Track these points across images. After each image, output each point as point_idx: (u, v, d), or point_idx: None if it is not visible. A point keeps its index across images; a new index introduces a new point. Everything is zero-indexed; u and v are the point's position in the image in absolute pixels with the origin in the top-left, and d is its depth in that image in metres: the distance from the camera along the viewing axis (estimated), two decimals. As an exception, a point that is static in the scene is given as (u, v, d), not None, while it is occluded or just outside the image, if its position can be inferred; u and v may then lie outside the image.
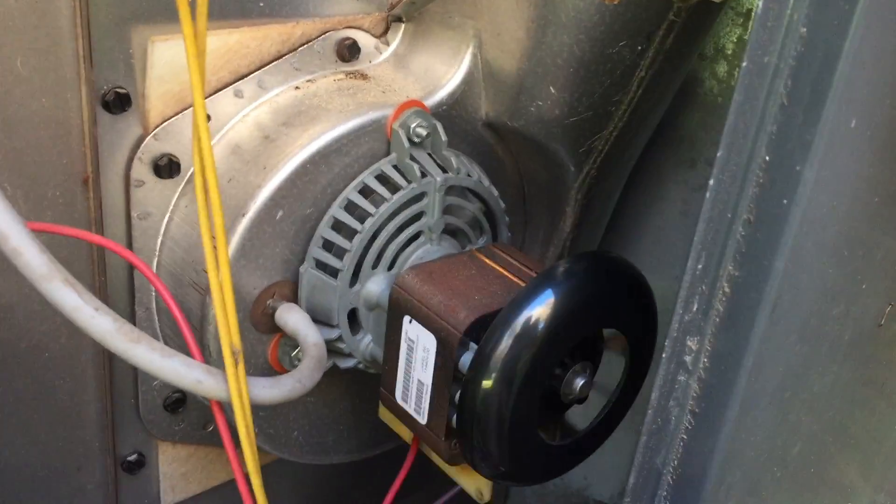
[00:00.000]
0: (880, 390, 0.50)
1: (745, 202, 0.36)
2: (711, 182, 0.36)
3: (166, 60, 0.47)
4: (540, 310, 0.45)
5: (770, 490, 0.46)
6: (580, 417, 0.51)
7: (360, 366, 0.54)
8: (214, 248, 0.37)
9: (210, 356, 0.49)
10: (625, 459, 0.44)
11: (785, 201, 0.35)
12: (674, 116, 0.64)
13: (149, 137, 0.49)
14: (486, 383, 0.45)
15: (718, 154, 0.36)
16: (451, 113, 0.54)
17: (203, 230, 0.37)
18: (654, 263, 0.70)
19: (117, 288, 0.52)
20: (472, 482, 0.51)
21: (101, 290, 0.51)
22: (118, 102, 0.47)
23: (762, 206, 0.36)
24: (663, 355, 0.41)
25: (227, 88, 0.51)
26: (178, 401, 0.56)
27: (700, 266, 0.38)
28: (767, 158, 0.35)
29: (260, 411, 0.54)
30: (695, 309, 0.39)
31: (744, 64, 0.34)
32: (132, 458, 0.57)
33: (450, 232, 0.55)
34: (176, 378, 0.37)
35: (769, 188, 0.35)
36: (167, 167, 0.50)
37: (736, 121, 0.35)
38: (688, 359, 0.40)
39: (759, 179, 0.35)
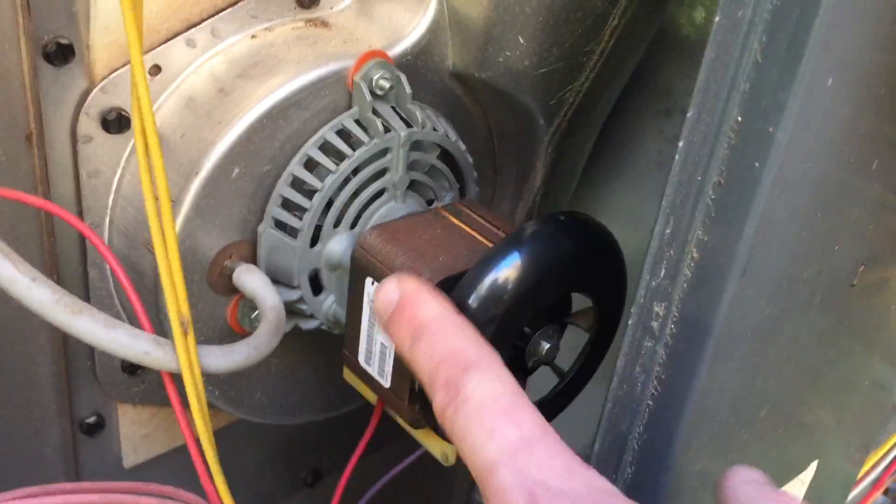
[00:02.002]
0: (855, 340, 0.50)
1: (716, 164, 0.34)
2: (681, 144, 0.35)
3: (110, 9, 0.45)
4: (506, 272, 0.43)
5: (738, 451, 0.46)
6: (546, 381, 0.51)
7: (324, 327, 0.53)
8: (160, 216, 0.35)
9: (166, 319, 0.48)
10: (597, 411, 0.43)
11: (757, 164, 0.34)
12: (649, 65, 0.62)
13: (95, 90, 0.46)
14: (450, 347, 0.43)
15: (689, 114, 0.34)
16: (417, 64, 0.52)
17: (147, 199, 0.35)
18: (628, 216, 0.69)
19: (68, 247, 0.50)
20: (438, 445, 0.50)
21: (50, 250, 0.49)
22: (60, 54, 0.44)
23: (733, 168, 0.34)
24: (629, 321, 0.39)
25: (179, 37, 0.48)
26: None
27: (668, 230, 0.37)
28: (740, 118, 0.33)
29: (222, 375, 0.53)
30: (662, 274, 0.38)
31: (716, 18, 0.32)
32: (91, 420, 0.55)
33: (415, 188, 0.53)
34: (121, 350, 0.36)
35: (741, 150, 0.34)
36: (116, 121, 0.47)
37: (707, 79, 0.33)
38: (654, 325, 0.39)
39: (730, 141, 0.34)
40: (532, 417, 0.33)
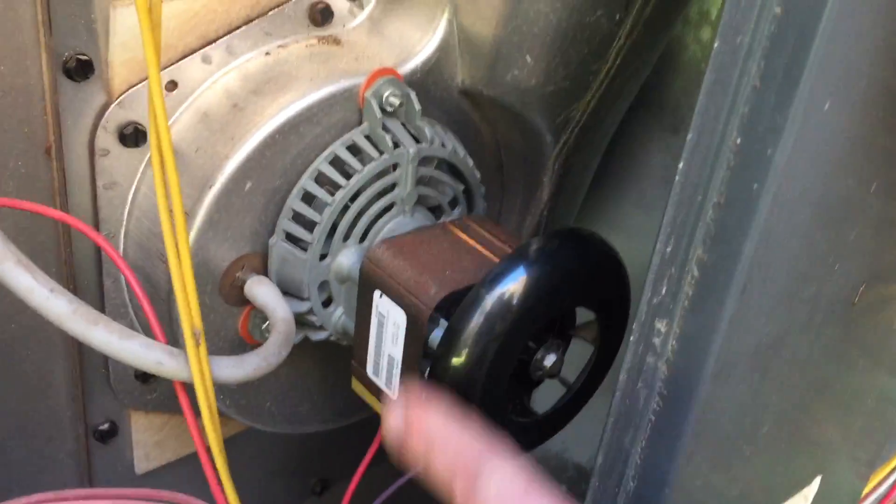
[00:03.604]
0: (860, 354, 0.50)
1: (716, 185, 0.35)
2: (681, 165, 0.35)
3: (129, 26, 0.46)
4: (512, 287, 0.44)
5: (739, 467, 0.47)
6: (552, 393, 0.51)
7: (333, 338, 0.54)
8: (174, 229, 0.36)
9: (179, 330, 0.49)
10: (600, 425, 0.44)
11: (756, 185, 0.34)
12: (657, 82, 0.63)
13: (113, 105, 0.48)
14: (456, 361, 0.44)
15: (689, 136, 0.35)
16: (426, 81, 0.53)
17: (161, 212, 0.36)
18: (635, 231, 0.70)
19: (84, 258, 0.51)
20: (444, 455, 0.51)
21: (67, 261, 0.50)
22: (80, 69, 0.46)
23: (733, 189, 0.35)
24: (631, 338, 0.40)
25: (195, 54, 0.50)
26: (150, 371, 0.55)
27: (669, 249, 0.37)
28: (739, 141, 0.34)
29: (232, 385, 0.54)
30: (664, 292, 0.38)
31: (715, 44, 0.33)
32: (104, 427, 0.56)
33: (424, 203, 0.54)
34: (135, 360, 0.37)
35: (740, 171, 0.34)
36: (133, 136, 0.48)
37: (707, 102, 0.34)
38: (656, 341, 0.39)
39: (729, 162, 0.35)
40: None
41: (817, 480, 0.55)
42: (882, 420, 0.58)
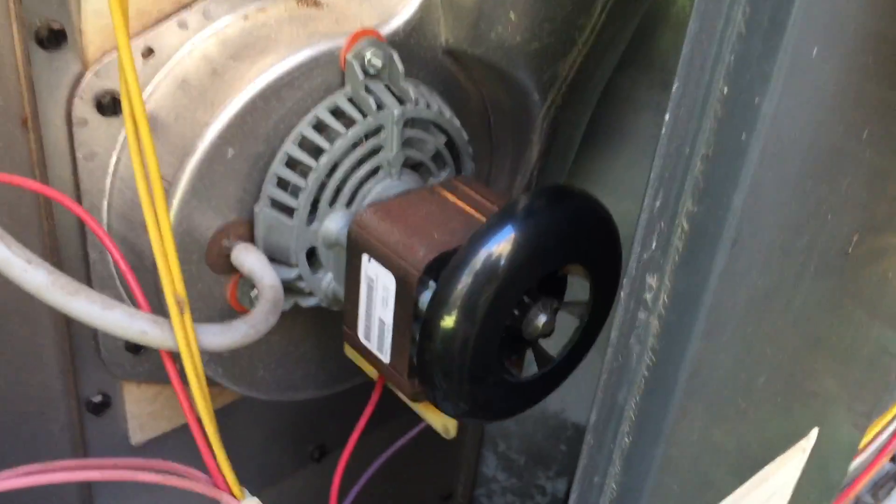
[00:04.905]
0: (856, 305, 0.50)
1: (703, 136, 0.34)
2: (667, 117, 0.35)
3: (101, -8, 0.45)
4: (500, 246, 0.44)
5: (735, 420, 0.46)
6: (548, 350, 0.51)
7: (323, 304, 0.53)
8: (152, 196, 0.35)
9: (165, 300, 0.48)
10: (594, 384, 0.44)
11: (744, 135, 0.34)
12: (645, 37, 0.62)
13: (89, 74, 0.47)
14: (446, 322, 0.44)
15: (674, 87, 0.34)
16: (409, 41, 0.52)
17: (139, 183, 0.35)
18: (625, 189, 0.69)
19: (67, 230, 0.50)
20: (439, 418, 0.51)
21: (50, 233, 0.49)
22: (53, 38, 0.45)
23: (720, 140, 0.34)
24: (622, 293, 0.40)
25: (171, 19, 0.48)
26: (141, 342, 0.55)
27: (658, 203, 0.37)
28: (725, 90, 0.33)
29: (222, 352, 0.53)
30: (653, 246, 0.38)
31: (699, -9, 0.32)
32: (97, 399, 0.56)
33: (411, 166, 0.53)
34: (119, 330, 0.36)
35: (727, 122, 0.34)
36: (110, 105, 0.47)
37: (692, 52, 0.33)
38: (647, 296, 0.39)
39: (716, 113, 0.34)
40: None
41: (815, 432, 0.55)
42: (879, 371, 0.58)
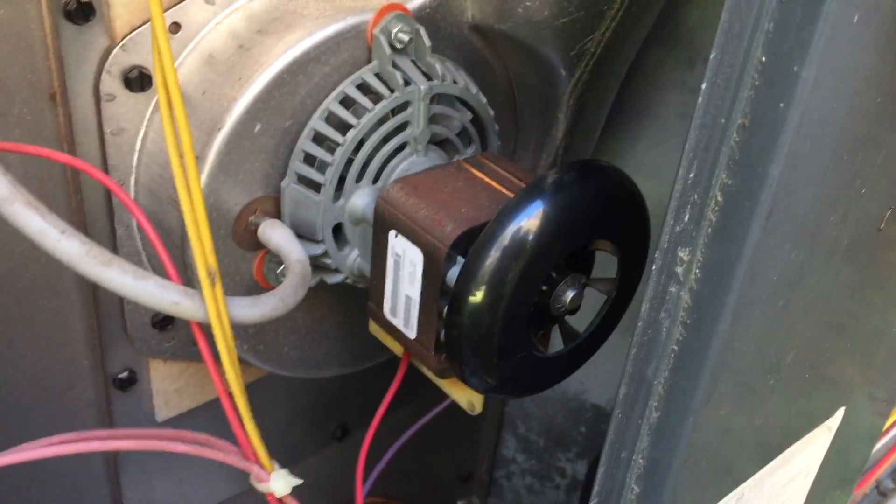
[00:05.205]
0: (881, 289, 0.49)
1: (740, 106, 0.34)
2: (704, 86, 0.34)
3: (129, -35, 0.45)
4: (529, 221, 0.43)
5: (763, 397, 0.46)
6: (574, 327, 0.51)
7: (349, 280, 0.53)
8: (184, 168, 0.35)
9: (193, 275, 0.48)
10: (621, 364, 0.44)
11: (782, 104, 0.33)
12: (671, 13, 0.61)
13: (116, 49, 0.47)
14: (474, 298, 0.44)
15: (711, 56, 0.34)
16: (435, 16, 0.52)
17: (171, 151, 0.35)
18: (651, 168, 0.69)
19: (95, 206, 0.50)
20: (464, 395, 0.51)
21: (77, 209, 0.49)
22: (81, 12, 0.45)
23: (757, 109, 0.34)
24: (654, 266, 0.39)
25: (198, -6, 0.48)
26: (167, 318, 0.55)
27: (692, 175, 0.36)
28: (763, 59, 0.33)
29: (248, 328, 0.53)
30: (686, 219, 0.37)
31: (738, -44, 0.32)
32: (123, 375, 0.56)
33: (437, 142, 0.53)
34: (151, 300, 0.36)
35: (765, 91, 0.33)
36: (138, 80, 0.47)
37: (730, 19, 0.33)
38: (679, 270, 0.39)
39: (754, 81, 0.33)
40: None
41: (841, 412, 0.55)
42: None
